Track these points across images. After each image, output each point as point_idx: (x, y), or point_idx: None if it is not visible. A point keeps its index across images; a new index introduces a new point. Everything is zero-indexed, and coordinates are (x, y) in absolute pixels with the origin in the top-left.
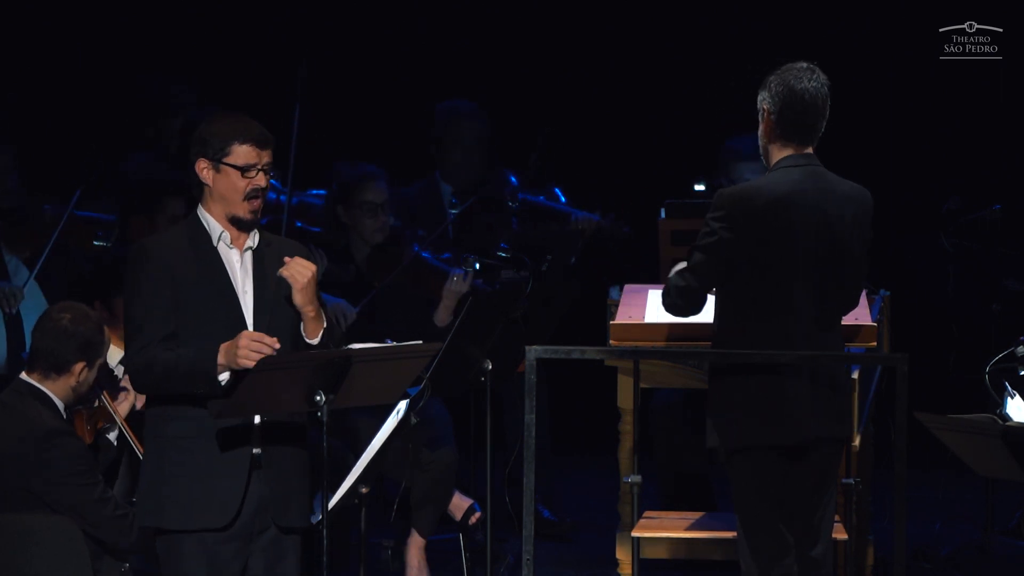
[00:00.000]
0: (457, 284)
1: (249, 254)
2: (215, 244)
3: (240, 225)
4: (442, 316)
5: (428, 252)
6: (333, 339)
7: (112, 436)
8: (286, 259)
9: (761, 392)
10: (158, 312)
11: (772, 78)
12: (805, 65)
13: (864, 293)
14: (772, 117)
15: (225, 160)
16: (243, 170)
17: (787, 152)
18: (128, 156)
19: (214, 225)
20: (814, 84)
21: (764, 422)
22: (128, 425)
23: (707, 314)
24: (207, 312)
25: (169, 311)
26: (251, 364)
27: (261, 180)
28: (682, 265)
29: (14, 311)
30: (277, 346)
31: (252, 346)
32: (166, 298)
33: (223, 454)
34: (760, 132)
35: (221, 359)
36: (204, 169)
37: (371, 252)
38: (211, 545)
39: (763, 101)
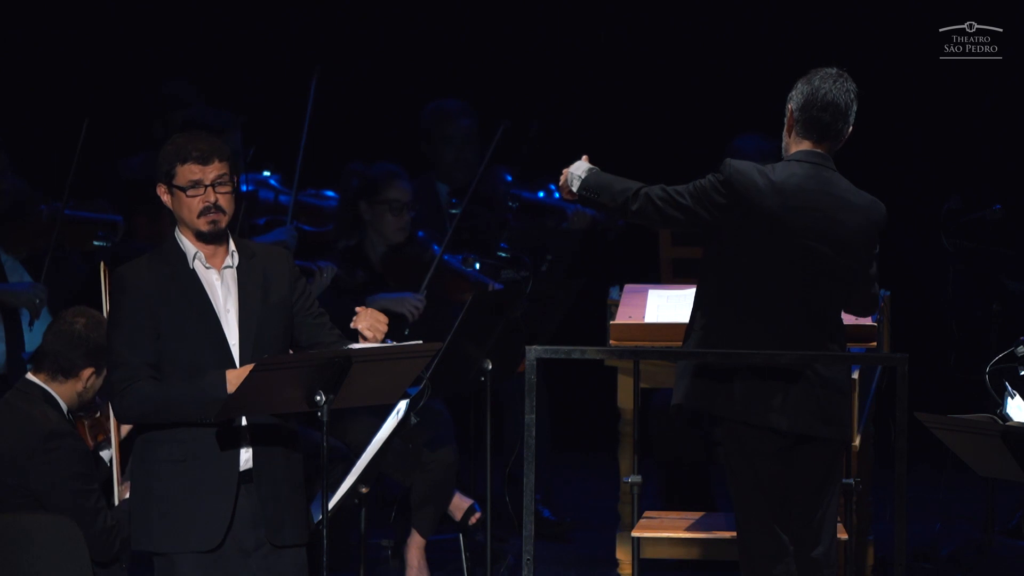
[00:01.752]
0: None
1: (230, 273)
2: (191, 265)
3: (207, 240)
4: None
5: (448, 255)
6: None
7: (106, 455)
8: (359, 310)
9: (744, 373)
10: (139, 343)
11: (801, 79)
12: (835, 70)
13: None
14: (794, 114)
15: (173, 183)
16: (186, 189)
17: (802, 148)
18: (130, 155)
19: (188, 246)
20: (838, 86)
21: (743, 400)
22: (119, 449)
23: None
24: (188, 335)
25: (150, 340)
26: None
27: (211, 196)
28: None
29: (39, 315)
30: None
31: None
32: (146, 327)
33: (210, 474)
34: (784, 132)
35: (232, 388)
36: (163, 194)
37: (387, 251)
38: (210, 562)
39: (789, 100)
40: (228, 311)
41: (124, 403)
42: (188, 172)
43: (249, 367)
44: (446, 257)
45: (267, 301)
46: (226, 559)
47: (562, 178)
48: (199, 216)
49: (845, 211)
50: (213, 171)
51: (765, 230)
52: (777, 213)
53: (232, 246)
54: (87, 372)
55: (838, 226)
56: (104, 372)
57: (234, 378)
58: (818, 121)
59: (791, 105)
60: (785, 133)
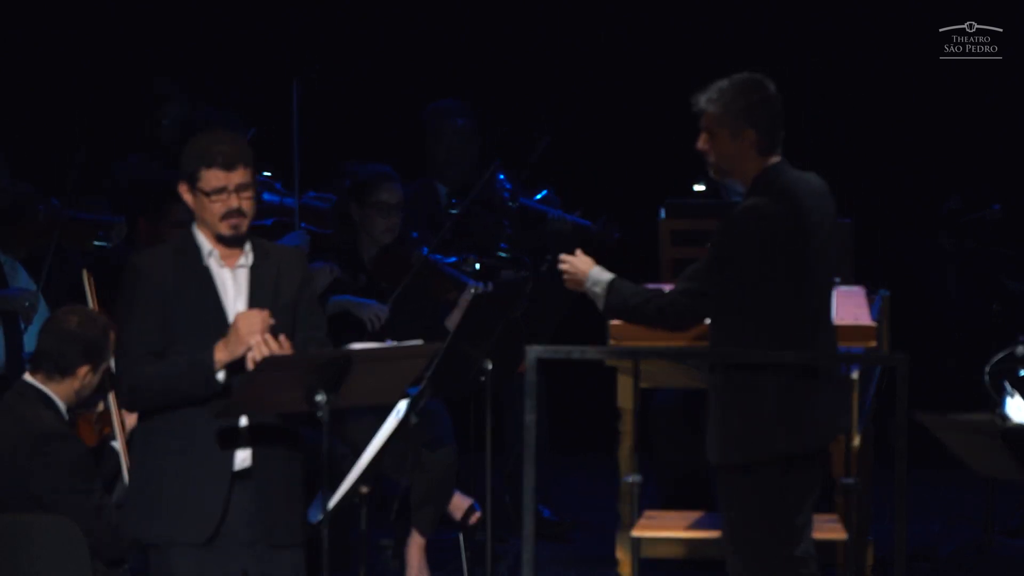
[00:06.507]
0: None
1: (243, 272)
2: (205, 262)
3: (226, 242)
4: (455, 320)
5: (438, 255)
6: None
7: (116, 444)
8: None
9: (782, 400)
10: (147, 332)
11: (735, 95)
12: (759, 76)
13: (864, 293)
14: (754, 133)
15: (197, 186)
16: (210, 195)
17: (767, 163)
18: (123, 156)
19: (204, 242)
20: (773, 90)
21: (787, 431)
22: (125, 440)
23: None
24: (195, 330)
25: (157, 330)
26: (255, 341)
27: (234, 201)
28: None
29: (31, 320)
30: (271, 321)
31: (252, 324)
32: (155, 317)
33: (205, 468)
34: (731, 152)
35: (219, 354)
36: (185, 193)
37: (378, 252)
38: (203, 556)
39: (737, 118)
40: (237, 310)
41: (127, 389)
42: (213, 178)
43: (235, 319)
44: (435, 257)
45: (276, 302)
46: (221, 553)
47: (570, 273)
48: (222, 220)
49: (824, 201)
50: (237, 177)
51: (788, 257)
52: (789, 237)
53: (248, 246)
54: (83, 370)
55: (828, 219)
56: (101, 369)
57: (220, 346)
58: (776, 133)
59: (743, 122)
60: (736, 153)
